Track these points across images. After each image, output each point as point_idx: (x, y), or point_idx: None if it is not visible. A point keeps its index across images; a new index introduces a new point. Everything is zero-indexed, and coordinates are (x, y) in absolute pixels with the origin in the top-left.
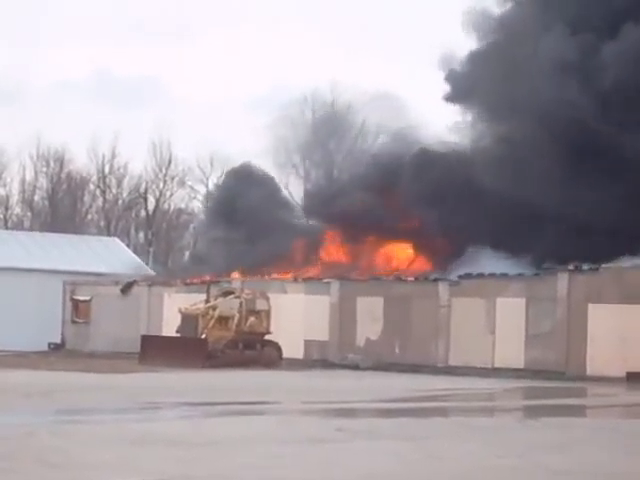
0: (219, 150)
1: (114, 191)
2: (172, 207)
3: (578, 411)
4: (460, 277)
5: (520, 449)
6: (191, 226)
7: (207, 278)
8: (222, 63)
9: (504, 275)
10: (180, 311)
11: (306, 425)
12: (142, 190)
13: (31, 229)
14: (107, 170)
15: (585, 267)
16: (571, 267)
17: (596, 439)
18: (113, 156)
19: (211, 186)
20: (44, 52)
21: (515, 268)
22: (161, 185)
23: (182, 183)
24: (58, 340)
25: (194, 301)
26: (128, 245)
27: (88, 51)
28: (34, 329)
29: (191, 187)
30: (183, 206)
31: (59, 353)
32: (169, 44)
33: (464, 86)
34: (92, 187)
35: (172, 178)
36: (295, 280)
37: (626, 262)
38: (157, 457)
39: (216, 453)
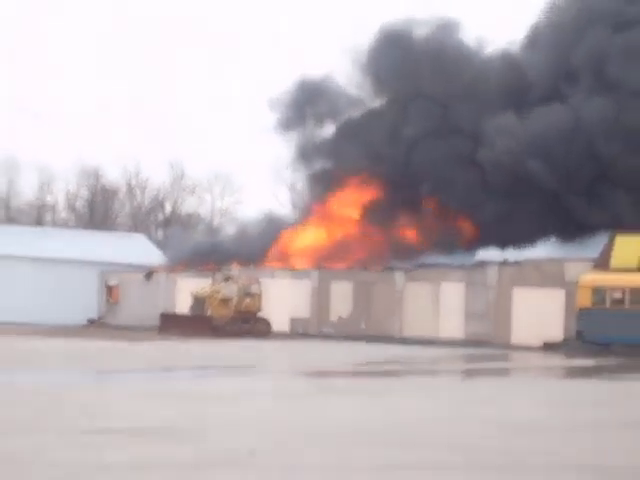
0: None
1: (138, 199)
2: (184, 212)
3: (505, 372)
4: (412, 267)
5: (458, 402)
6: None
7: (211, 267)
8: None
9: (447, 265)
10: (192, 294)
11: (291, 384)
12: (160, 199)
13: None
14: (133, 183)
15: (511, 260)
16: (500, 260)
17: (520, 394)
18: (138, 172)
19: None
20: (85, 81)
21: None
22: (175, 194)
23: (192, 193)
24: (95, 316)
25: (201, 285)
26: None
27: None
28: (76, 308)
29: (199, 197)
30: (192, 211)
31: (95, 326)
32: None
33: None
34: (121, 196)
35: (184, 189)
36: (282, 268)
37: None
38: (169, 407)
39: (217, 404)
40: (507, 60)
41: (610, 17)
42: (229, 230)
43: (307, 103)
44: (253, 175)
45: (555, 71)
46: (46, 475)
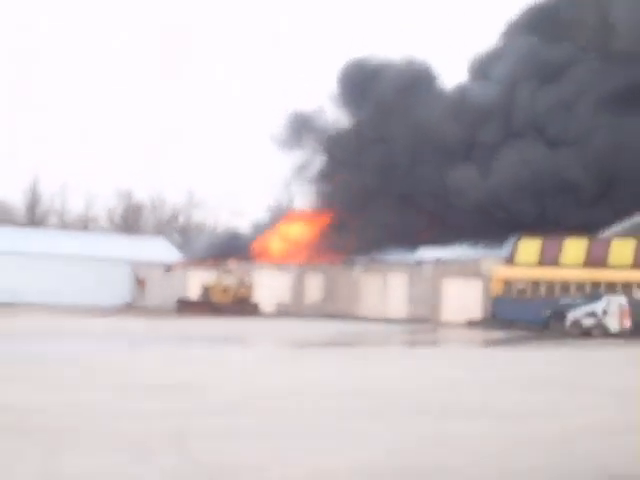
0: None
1: (160, 212)
2: (193, 223)
3: (438, 343)
4: (367, 262)
5: (405, 365)
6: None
7: (215, 263)
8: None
9: (394, 261)
10: (201, 284)
11: (277, 350)
12: (175, 214)
13: None
14: (155, 201)
15: (441, 258)
16: (434, 258)
17: (450, 360)
18: (158, 195)
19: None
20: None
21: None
22: (187, 210)
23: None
24: (128, 300)
25: (207, 277)
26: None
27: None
28: (114, 294)
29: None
30: (199, 222)
31: (128, 308)
32: None
33: None
34: (147, 211)
35: (194, 206)
36: (269, 264)
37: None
38: (184, 370)
39: (221, 369)
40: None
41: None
42: (229, 234)
43: (302, 132)
44: (252, 189)
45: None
46: (96, 420)
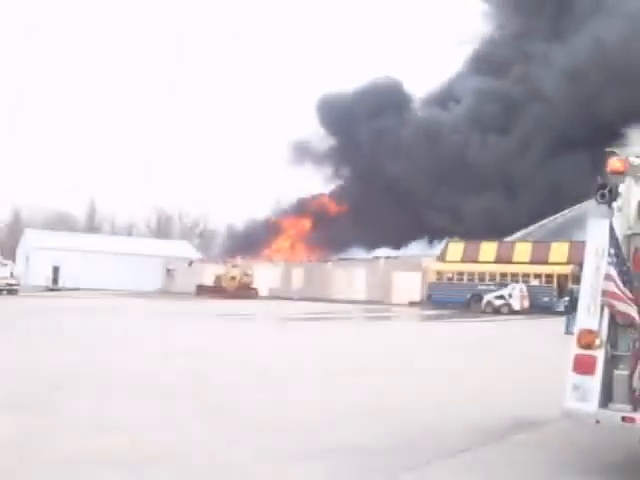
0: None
1: (183, 222)
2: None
3: (390, 318)
4: (337, 259)
5: (364, 334)
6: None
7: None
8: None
9: (357, 258)
10: (214, 274)
11: (268, 325)
12: (196, 222)
13: None
14: (182, 213)
15: (392, 256)
16: (386, 255)
17: (399, 332)
18: (183, 206)
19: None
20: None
21: None
22: (203, 220)
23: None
24: (161, 287)
25: (219, 269)
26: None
27: None
28: (150, 282)
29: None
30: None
31: (162, 292)
32: None
33: None
34: (175, 220)
35: (209, 215)
36: (265, 260)
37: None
38: (202, 337)
39: (233, 338)
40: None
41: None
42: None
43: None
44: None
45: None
46: (132, 376)
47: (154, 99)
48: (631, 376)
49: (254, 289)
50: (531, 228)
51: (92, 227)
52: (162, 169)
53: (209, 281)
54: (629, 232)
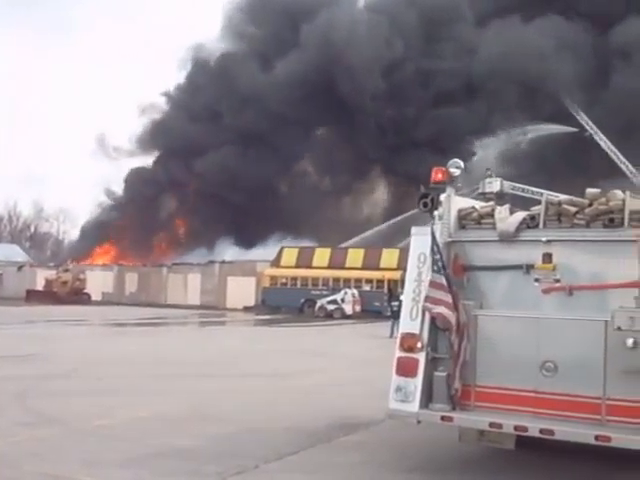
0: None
1: (14, 224)
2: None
3: (225, 322)
4: (171, 264)
5: (197, 338)
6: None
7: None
8: None
9: (192, 262)
10: (45, 278)
11: (101, 329)
12: (27, 225)
13: None
14: (12, 215)
15: (227, 260)
16: (220, 260)
17: (230, 332)
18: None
19: None
20: None
21: None
22: (36, 222)
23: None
24: None
25: (51, 274)
26: None
27: None
28: None
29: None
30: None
31: None
32: None
33: None
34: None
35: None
36: (97, 264)
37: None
38: (32, 344)
39: (59, 343)
40: None
41: None
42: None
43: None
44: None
45: None
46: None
47: None
48: (450, 377)
49: (87, 294)
50: (368, 233)
51: None
52: None
53: (40, 286)
54: (449, 239)
